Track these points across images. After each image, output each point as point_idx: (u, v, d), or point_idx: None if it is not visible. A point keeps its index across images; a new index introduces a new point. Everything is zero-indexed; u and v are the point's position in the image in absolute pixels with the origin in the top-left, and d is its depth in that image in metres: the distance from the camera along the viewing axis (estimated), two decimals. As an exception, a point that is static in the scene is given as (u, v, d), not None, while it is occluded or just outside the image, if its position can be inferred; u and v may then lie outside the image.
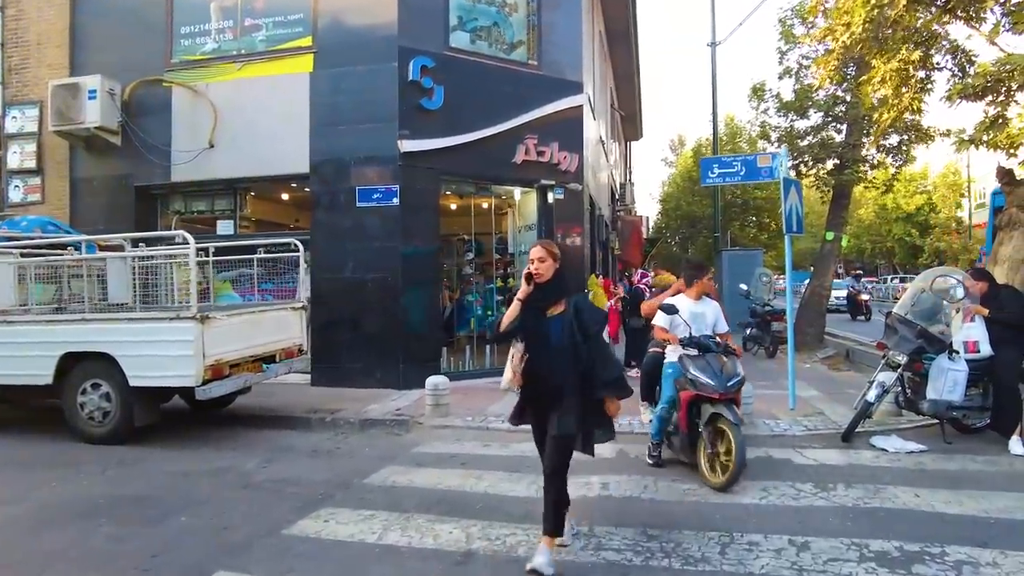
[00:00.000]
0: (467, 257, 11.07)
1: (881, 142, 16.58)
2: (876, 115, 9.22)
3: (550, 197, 10.54)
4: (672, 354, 5.39)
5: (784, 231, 7.59)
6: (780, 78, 17.86)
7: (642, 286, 10.32)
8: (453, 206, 12.05)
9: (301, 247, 7.76)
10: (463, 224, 11.57)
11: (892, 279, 38.53)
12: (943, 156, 38.27)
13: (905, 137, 16.62)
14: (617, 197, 21.15)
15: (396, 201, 9.00)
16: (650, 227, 40.53)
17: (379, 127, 9.09)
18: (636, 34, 18.64)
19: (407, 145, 8.98)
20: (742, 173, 8.22)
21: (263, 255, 7.95)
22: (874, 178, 16.84)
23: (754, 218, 25.79)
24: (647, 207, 40.53)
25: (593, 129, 13.17)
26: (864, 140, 16.45)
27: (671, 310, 5.25)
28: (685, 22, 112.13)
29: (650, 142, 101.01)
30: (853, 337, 16.16)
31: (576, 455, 3.60)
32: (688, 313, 5.25)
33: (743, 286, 13.68)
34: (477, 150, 9.55)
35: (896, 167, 16.64)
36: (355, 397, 8.20)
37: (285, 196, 11.37)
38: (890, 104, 8.54)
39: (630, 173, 30.25)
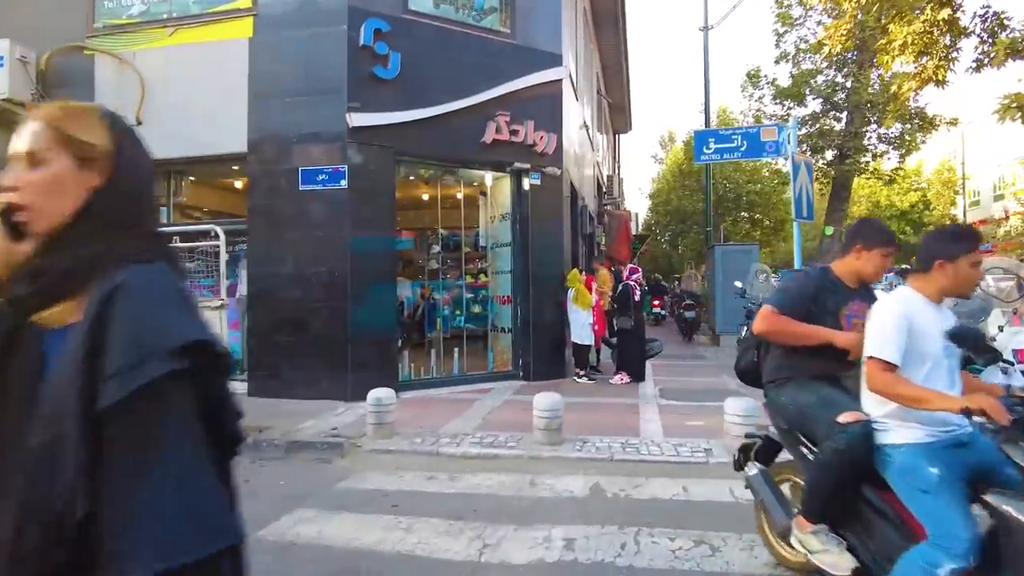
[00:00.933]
0: (433, 251, 9.90)
1: (883, 131, 15.63)
2: (895, 86, 8.13)
3: (525, 183, 9.40)
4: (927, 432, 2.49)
5: (793, 216, 6.47)
6: (776, 62, 16.85)
7: (632, 283, 9.22)
8: (425, 196, 10.89)
9: (222, 235, 6.58)
10: (434, 215, 10.41)
11: (887, 277, 37.62)
12: (938, 152, 37.39)
13: (907, 126, 15.66)
14: (604, 190, 20.03)
15: (344, 184, 7.82)
16: (639, 224, 39.51)
17: (326, 99, 7.90)
18: (624, 19, 17.51)
19: (357, 119, 7.80)
20: (743, 149, 7.15)
21: (179, 244, 6.75)
22: (875, 169, 15.80)
23: (746, 214, 24.73)
24: (636, 203, 39.44)
25: (575, 111, 12.03)
26: (866, 129, 15.46)
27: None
28: (676, 6, 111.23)
29: (640, 137, 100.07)
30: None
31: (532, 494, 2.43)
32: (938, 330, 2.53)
33: (738, 284, 12.58)
34: (440, 127, 8.38)
35: (900, 157, 15.63)
36: (293, 411, 7.03)
37: (237, 184, 10.13)
38: (912, 74, 7.44)
39: (618, 167, 29.15)
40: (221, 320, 6.33)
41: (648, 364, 9.71)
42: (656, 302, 20.70)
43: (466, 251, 9.98)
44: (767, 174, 23.43)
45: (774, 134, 6.93)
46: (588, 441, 5.72)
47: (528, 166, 9.27)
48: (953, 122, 15.55)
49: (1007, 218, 35.41)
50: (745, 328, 12.51)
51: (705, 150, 7.40)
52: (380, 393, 5.98)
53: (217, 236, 6.52)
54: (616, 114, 25.73)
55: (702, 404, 7.52)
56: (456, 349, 9.48)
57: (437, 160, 8.91)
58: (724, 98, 44.77)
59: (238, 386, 7.80)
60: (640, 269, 9.49)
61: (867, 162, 15.60)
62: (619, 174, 28.52)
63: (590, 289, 9.53)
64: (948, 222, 40.81)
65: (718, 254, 14.45)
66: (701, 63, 17.45)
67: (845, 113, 15.76)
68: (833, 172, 15.01)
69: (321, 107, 7.91)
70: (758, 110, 16.87)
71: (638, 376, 9.17)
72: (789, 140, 6.68)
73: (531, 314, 9.33)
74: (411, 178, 10.04)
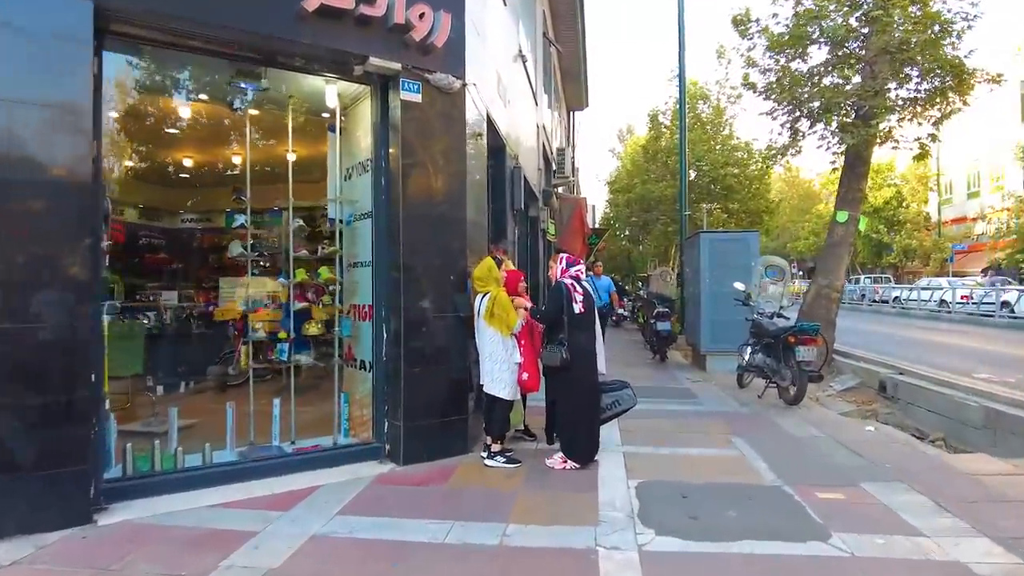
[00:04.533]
0: (236, 223, 5.56)
1: (913, 86, 11.97)
2: None
3: (393, 101, 5.21)
4: None
5: None
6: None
7: (567, 281, 5.10)
8: (225, 121, 6.44)
9: None
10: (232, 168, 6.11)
11: (863, 279, 34.76)
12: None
13: (937, 84, 12.05)
14: (555, 169, 15.98)
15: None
16: (597, 218, 35.71)
17: None
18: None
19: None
20: None
21: None
22: (901, 137, 12.06)
23: (718, 204, 20.99)
24: (593, 196, 35.62)
25: (502, 18, 7.91)
26: (889, 87, 11.74)
27: None
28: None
29: (596, 133, 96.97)
30: (876, 358, 11.42)
31: None
32: None
33: (739, 285, 8.68)
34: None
35: (936, 121, 11.96)
36: None
37: None
38: None
39: (574, 148, 25.19)
40: None
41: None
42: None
43: (297, 227, 5.67)
44: (747, 155, 19.77)
45: None
46: None
47: (398, 67, 5.07)
48: (996, 79, 11.97)
49: (983, 217, 32.93)
50: (750, 349, 8.59)
51: None
52: None
53: None
54: (570, 85, 21.76)
55: (729, 546, 3.46)
56: (278, 401, 5.27)
57: (207, 39, 4.53)
58: (694, 71, 41.36)
59: None
60: (581, 261, 5.42)
61: (889, 128, 11.88)
62: (574, 155, 24.59)
63: (517, 292, 5.41)
64: (923, 220, 38.45)
65: (704, 244, 10.49)
66: (663, 28, 13.53)
67: (862, 66, 12.00)
68: (852, 138, 11.24)
69: None
70: (748, 60, 12.97)
71: (587, 454, 5.05)
72: None
73: (403, 339, 5.14)
74: (156, 83, 5.73)
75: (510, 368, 5.10)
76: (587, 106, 24.86)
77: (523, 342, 5.27)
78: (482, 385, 5.20)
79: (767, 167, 15.76)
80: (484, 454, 5.14)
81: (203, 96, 5.91)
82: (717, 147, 19.84)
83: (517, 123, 9.30)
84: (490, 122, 6.76)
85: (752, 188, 19.63)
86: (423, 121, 5.26)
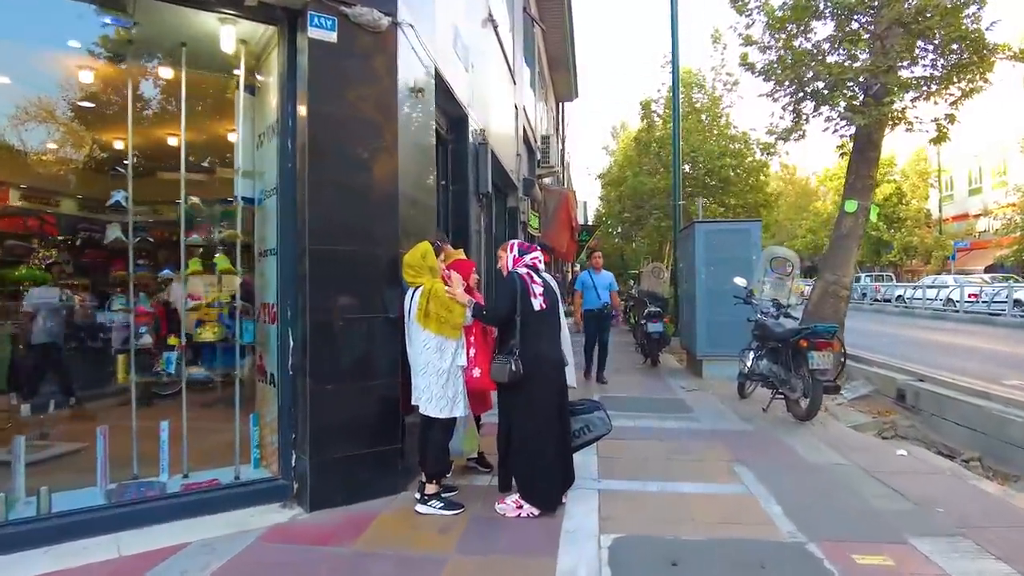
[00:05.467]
0: (112, 200, 4.38)
1: (930, 62, 10.88)
2: None
3: (302, 40, 4.04)
4: None
5: None
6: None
7: (523, 271, 3.93)
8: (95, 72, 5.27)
9: None
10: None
11: (864, 277, 33.68)
12: (913, 140, 33.58)
13: (955, 59, 10.95)
14: (539, 157, 14.84)
15: None
16: (587, 214, 34.56)
17: None
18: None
19: None
20: None
21: None
22: (916, 119, 10.94)
23: (711, 198, 19.75)
24: (585, 192, 34.47)
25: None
26: (902, 63, 10.65)
27: None
28: None
29: (590, 132, 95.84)
30: (890, 362, 10.31)
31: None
32: None
33: (740, 281, 7.55)
34: None
35: (955, 100, 10.85)
36: None
37: None
38: None
39: (562, 140, 24.03)
40: None
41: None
42: None
43: (191, 205, 4.49)
44: (745, 147, 18.63)
45: None
46: None
47: (302, -5, 3.92)
48: (1021, 55, 10.89)
49: (987, 213, 31.88)
50: (753, 354, 7.46)
51: None
52: None
53: None
54: (558, 73, 20.62)
55: None
56: (167, 424, 4.13)
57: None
58: (689, 60, 40.17)
59: None
60: (541, 249, 4.26)
61: (903, 108, 10.76)
62: (562, 147, 23.44)
63: (467, 286, 4.22)
64: (924, 217, 37.41)
65: (699, 235, 9.33)
66: (657, 20, 12.41)
67: (871, 40, 10.88)
68: (862, 119, 10.12)
69: None
70: (746, 39, 11.83)
71: (549, 498, 3.88)
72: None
73: (308, 347, 3.97)
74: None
75: (451, 379, 3.94)
76: (576, 96, 23.74)
77: (474, 335, 4.12)
78: (420, 409, 4.04)
79: (767, 155, 14.60)
80: (418, 495, 3.98)
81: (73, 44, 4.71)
82: (713, 138, 18.68)
83: (487, 97, 8.14)
84: (442, 83, 5.61)
85: (749, 181, 18.47)
86: (340, 68, 4.09)
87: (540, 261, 4.03)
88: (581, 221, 26.27)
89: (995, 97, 19.24)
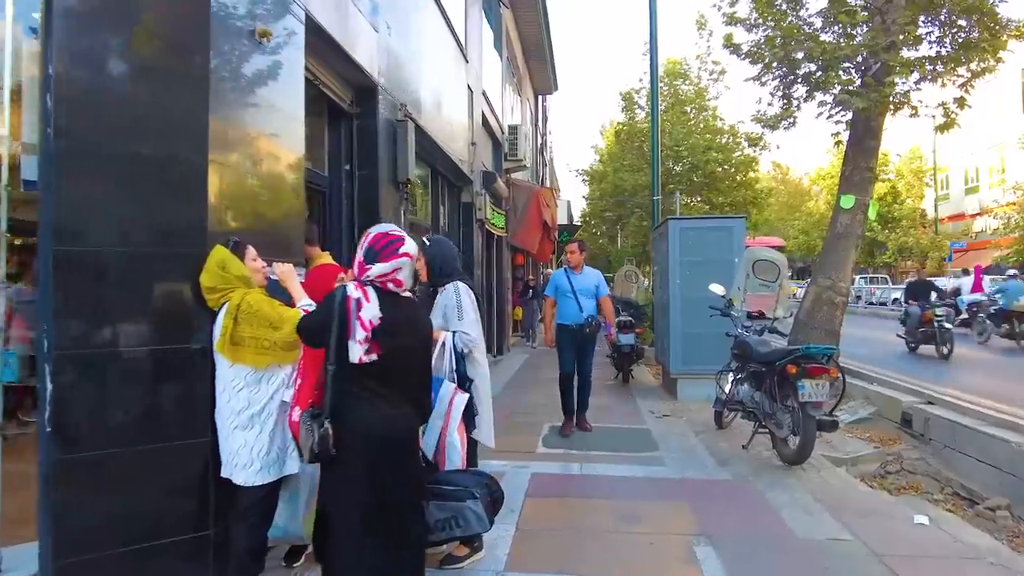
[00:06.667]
0: None
1: (935, 39, 9.68)
2: None
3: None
4: None
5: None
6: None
7: (354, 292, 2.50)
8: None
9: None
10: None
11: (857, 279, 32.55)
12: (908, 137, 32.55)
13: (963, 35, 9.75)
14: (505, 150, 13.55)
15: None
16: (574, 214, 33.32)
17: None
18: None
19: None
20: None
21: None
22: (920, 103, 9.71)
23: (698, 197, 18.54)
24: (569, 192, 33.21)
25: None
26: (903, 37, 9.43)
27: None
28: None
29: (581, 134, 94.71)
30: (893, 378, 9.05)
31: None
32: None
33: (717, 288, 6.28)
34: None
35: (964, 83, 9.62)
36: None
37: None
38: None
39: (543, 136, 22.74)
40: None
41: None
42: None
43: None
44: (733, 140, 17.39)
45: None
46: None
47: None
48: (1025, 33, 9.68)
49: (987, 211, 30.80)
50: (732, 377, 6.12)
51: None
52: None
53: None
54: (535, 63, 19.33)
55: None
56: None
57: None
58: (672, 48, 39.15)
59: None
60: (402, 247, 2.74)
61: (907, 91, 9.53)
62: (543, 141, 22.15)
63: (315, 289, 2.86)
64: (919, 217, 36.33)
65: (673, 234, 8.06)
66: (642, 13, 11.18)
67: (869, 16, 9.63)
68: (859, 102, 8.87)
69: None
70: (729, 23, 10.56)
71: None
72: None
73: (53, 397, 2.64)
74: None
75: (263, 430, 2.66)
76: (556, 89, 22.44)
77: (302, 361, 2.78)
78: (223, 472, 2.75)
79: (756, 149, 13.41)
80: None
81: None
82: (698, 129, 17.43)
83: (418, 70, 6.85)
84: (327, 37, 4.32)
85: (737, 177, 17.25)
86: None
87: (403, 278, 2.59)
88: (564, 221, 25.01)
89: (994, 91, 18.22)
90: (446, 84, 8.25)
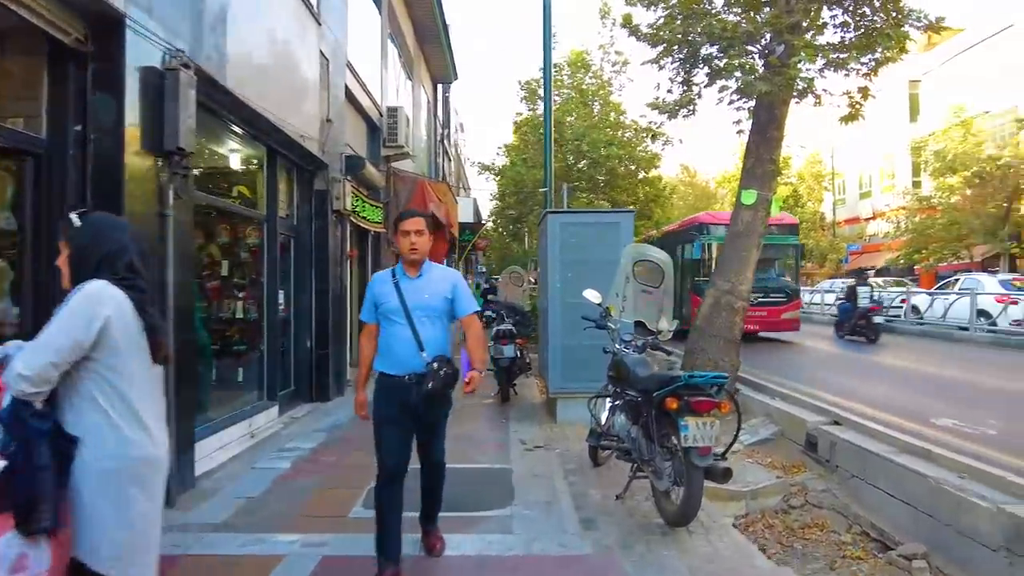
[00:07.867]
0: None
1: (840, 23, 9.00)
2: None
3: None
4: None
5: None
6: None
7: None
8: None
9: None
10: None
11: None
12: (809, 142, 33.30)
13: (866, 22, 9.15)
14: (384, 135, 12.05)
15: None
16: (481, 212, 32.05)
17: None
18: None
19: None
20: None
21: None
22: (824, 91, 9.01)
23: (600, 194, 17.59)
24: (477, 191, 31.86)
25: None
26: (809, 20, 8.70)
27: None
28: None
29: (499, 135, 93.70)
30: (797, 392, 8.17)
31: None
32: None
33: (591, 295, 5.09)
34: None
35: (868, 71, 8.97)
36: None
37: None
38: None
39: (443, 127, 21.30)
40: None
41: None
42: None
43: None
44: (635, 135, 16.57)
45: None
46: None
47: None
48: (936, 27, 9.19)
49: (881, 215, 31.93)
50: (609, 403, 4.88)
51: None
52: None
53: None
54: (431, 47, 17.88)
55: None
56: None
57: None
58: (575, 38, 38.37)
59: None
60: None
61: (812, 79, 8.76)
62: (445, 132, 20.72)
63: None
64: (819, 220, 37.43)
65: (553, 229, 6.86)
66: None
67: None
68: (763, 87, 7.99)
69: None
70: (627, 2, 9.54)
71: None
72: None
73: None
74: None
75: None
76: (456, 78, 21.04)
77: None
78: None
79: (653, 140, 12.57)
80: None
81: None
82: (601, 124, 16.50)
83: (227, 17, 5.30)
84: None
85: (639, 175, 16.43)
86: None
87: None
88: (467, 219, 23.72)
89: (884, 101, 18.40)
90: (283, 46, 6.72)
